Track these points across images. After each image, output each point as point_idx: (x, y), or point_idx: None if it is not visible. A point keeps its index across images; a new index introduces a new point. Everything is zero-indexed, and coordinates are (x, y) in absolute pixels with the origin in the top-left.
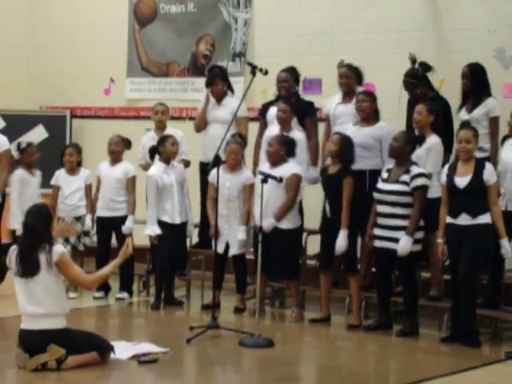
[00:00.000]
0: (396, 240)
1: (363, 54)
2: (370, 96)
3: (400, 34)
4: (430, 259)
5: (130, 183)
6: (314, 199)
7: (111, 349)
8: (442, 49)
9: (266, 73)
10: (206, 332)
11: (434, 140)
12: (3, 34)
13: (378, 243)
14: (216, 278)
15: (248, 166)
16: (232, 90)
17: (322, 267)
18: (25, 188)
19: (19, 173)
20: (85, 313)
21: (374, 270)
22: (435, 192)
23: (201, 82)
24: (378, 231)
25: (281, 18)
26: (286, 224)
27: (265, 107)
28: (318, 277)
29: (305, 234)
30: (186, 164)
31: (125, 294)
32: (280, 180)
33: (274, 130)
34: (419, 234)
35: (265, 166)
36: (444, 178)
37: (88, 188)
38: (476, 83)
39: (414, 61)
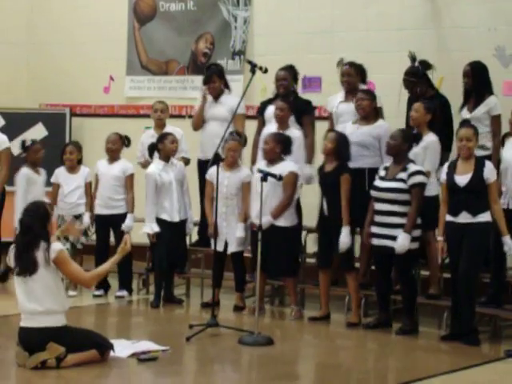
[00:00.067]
0: (394, 238)
1: (363, 51)
2: (370, 94)
3: (400, 32)
4: (428, 257)
5: (129, 181)
6: (312, 197)
7: (111, 347)
8: (442, 47)
9: (265, 71)
10: (205, 330)
11: (430, 138)
12: (3, 32)
13: (375, 241)
14: (215, 276)
15: (246, 164)
16: (228, 88)
17: (320, 265)
18: (30, 187)
19: (24, 171)
20: (84, 311)
21: (373, 268)
22: (433, 190)
23: (200, 80)
24: (375, 229)
25: (280, 15)
26: (282, 222)
27: (263, 105)
28: (317, 275)
29: (304, 233)
30: (186, 162)
31: (124, 292)
32: (280, 178)
33: (271, 128)
34: (416, 232)
35: (261, 164)
36: (444, 176)
37: (88, 186)
38: (477, 82)
39: (413, 59)
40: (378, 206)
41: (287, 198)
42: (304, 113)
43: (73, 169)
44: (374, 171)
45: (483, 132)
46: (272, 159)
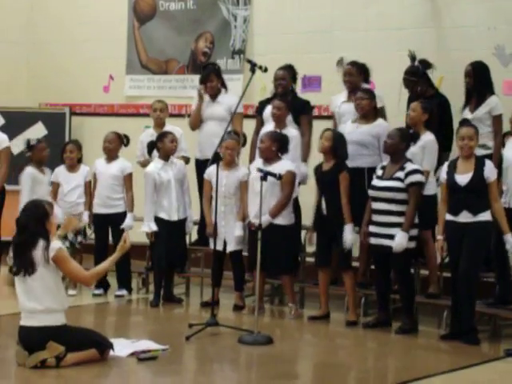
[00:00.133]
0: (391, 237)
1: (363, 51)
2: (369, 93)
3: (399, 32)
4: (427, 257)
5: (127, 180)
6: (312, 196)
7: (110, 346)
8: (442, 46)
9: (265, 70)
10: (205, 329)
11: (428, 137)
12: (3, 31)
13: (373, 240)
14: (215, 275)
15: (244, 163)
16: (225, 87)
17: (318, 265)
18: (36, 187)
19: (30, 170)
20: (84, 310)
21: (373, 267)
22: (430, 189)
23: None
24: (373, 228)
25: (280, 15)
26: (280, 220)
27: (262, 105)
28: (316, 274)
29: (303, 232)
30: (186, 161)
31: (124, 292)
32: (279, 177)
33: (269, 128)
34: (414, 231)
35: (258, 163)
36: (444, 175)
37: (87, 185)
38: (479, 82)
39: (413, 58)
40: (376, 205)
41: (285, 197)
42: (302, 112)
43: (72, 168)
44: (373, 170)
45: (485, 132)
46: (268, 158)
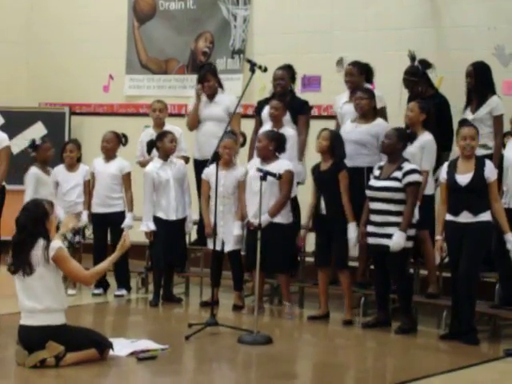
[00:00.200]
0: (389, 236)
1: (362, 51)
2: (368, 93)
3: (399, 31)
4: (425, 256)
5: (126, 179)
6: (310, 196)
7: (110, 346)
8: (442, 46)
9: (265, 70)
10: (204, 329)
11: (426, 137)
12: (3, 31)
13: (371, 240)
14: (214, 275)
15: (242, 163)
16: (222, 87)
17: (318, 264)
18: (40, 188)
19: (34, 171)
20: (84, 309)
21: (372, 267)
22: (429, 189)
23: None
24: (371, 228)
25: (280, 15)
26: (279, 218)
27: (260, 105)
28: (316, 274)
29: (303, 231)
30: (186, 161)
31: (123, 291)
32: (279, 177)
33: (267, 127)
34: (411, 231)
35: (255, 162)
36: (444, 175)
37: (86, 184)
38: (480, 82)
39: (413, 58)
40: (374, 206)
41: (284, 196)
42: (300, 112)
43: (72, 167)
44: (372, 170)
45: (486, 132)
46: (266, 157)
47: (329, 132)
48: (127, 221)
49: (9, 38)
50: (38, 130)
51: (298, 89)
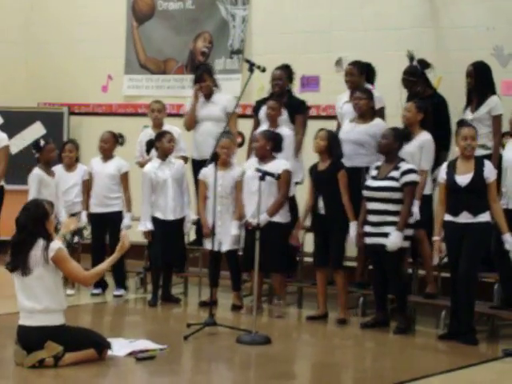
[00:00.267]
0: (386, 235)
1: (361, 51)
2: (367, 93)
3: (398, 32)
4: (422, 256)
5: (124, 179)
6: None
7: (108, 346)
8: (440, 46)
9: (263, 70)
10: (203, 329)
11: (425, 137)
12: (1, 31)
13: (368, 240)
14: (212, 275)
15: (240, 164)
16: (217, 86)
17: (316, 265)
18: (43, 188)
19: (37, 172)
20: (82, 310)
21: (371, 267)
22: (426, 189)
23: None
24: (368, 228)
25: (279, 15)
26: (277, 218)
27: (258, 104)
28: (315, 274)
29: (296, 230)
30: (185, 161)
31: (122, 291)
32: (278, 177)
33: (265, 127)
34: (409, 231)
35: (252, 162)
36: (444, 175)
37: (84, 184)
38: (480, 82)
39: (411, 58)
40: (371, 206)
41: (283, 195)
42: (297, 112)
43: (70, 167)
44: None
45: (485, 132)
46: (263, 157)
47: (326, 132)
48: (125, 221)
49: (8, 38)
50: (36, 130)
51: (296, 89)
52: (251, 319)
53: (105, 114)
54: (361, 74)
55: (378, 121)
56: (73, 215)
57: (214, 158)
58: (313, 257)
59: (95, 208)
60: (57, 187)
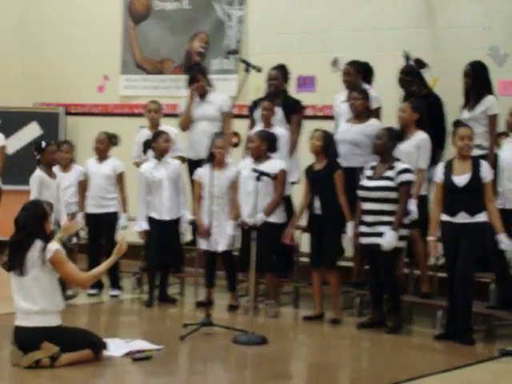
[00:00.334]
0: (381, 235)
1: (357, 51)
2: (363, 93)
3: (394, 32)
4: (416, 256)
5: (119, 179)
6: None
7: (105, 346)
8: (437, 46)
9: (259, 70)
10: (199, 329)
11: (422, 136)
12: None
13: (363, 240)
14: (208, 275)
15: (235, 163)
16: (211, 86)
17: (312, 265)
18: (44, 190)
19: (38, 173)
20: (79, 310)
21: (367, 267)
22: (422, 189)
23: None
24: (364, 228)
25: (275, 15)
26: (273, 218)
27: (254, 104)
28: (311, 274)
29: (298, 232)
30: (182, 161)
31: (118, 291)
32: (274, 177)
33: (260, 128)
34: (404, 231)
35: (248, 162)
36: (441, 175)
37: (80, 184)
38: (477, 81)
39: (408, 58)
40: (366, 206)
41: (279, 195)
42: (292, 111)
43: (66, 167)
44: None
45: (480, 132)
46: (259, 157)
47: (322, 132)
48: (121, 222)
49: (4, 38)
50: (33, 130)
51: (293, 89)
52: (247, 319)
53: (101, 115)
54: (358, 74)
55: (373, 121)
56: (69, 215)
57: (211, 158)
58: (309, 257)
59: (91, 208)
60: (58, 189)
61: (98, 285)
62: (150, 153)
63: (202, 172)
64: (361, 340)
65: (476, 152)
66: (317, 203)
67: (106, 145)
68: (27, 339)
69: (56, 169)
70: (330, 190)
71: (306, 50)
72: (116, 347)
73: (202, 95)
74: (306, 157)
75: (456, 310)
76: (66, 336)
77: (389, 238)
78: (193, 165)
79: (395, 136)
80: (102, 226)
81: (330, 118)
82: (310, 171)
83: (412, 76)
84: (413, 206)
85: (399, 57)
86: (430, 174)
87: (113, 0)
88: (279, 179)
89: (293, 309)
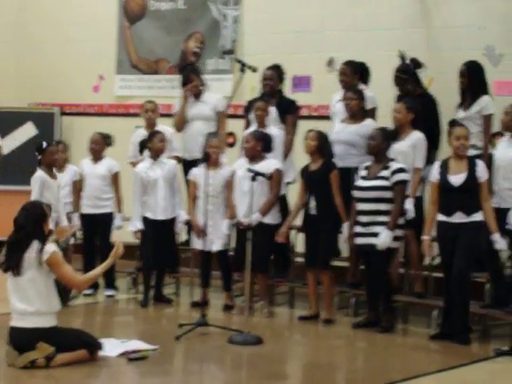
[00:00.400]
0: (377, 235)
1: (352, 51)
2: (358, 94)
3: (389, 32)
4: (409, 256)
5: (115, 179)
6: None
7: (100, 346)
8: (432, 46)
9: (254, 70)
10: (195, 329)
11: (417, 136)
12: None
13: (358, 240)
14: (203, 275)
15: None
16: (205, 85)
17: (307, 265)
18: (46, 191)
19: (39, 174)
20: (74, 310)
21: (362, 267)
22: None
23: None
24: (359, 228)
25: (270, 15)
26: (268, 219)
27: (250, 104)
28: (306, 274)
29: (293, 232)
30: (178, 161)
31: (113, 291)
32: (269, 177)
33: (254, 128)
34: (399, 232)
35: (243, 162)
36: (437, 175)
37: (74, 184)
38: (472, 81)
39: (403, 58)
40: (361, 206)
41: (275, 195)
42: (287, 111)
43: (60, 167)
44: None
45: (475, 132)
46: (254, 157)
47: (316, 132)
48: (117, 222)
49: None
50: (28, 131)
51: (288, 89)
52: (243, 319)
53: (96, 115)
54: (354, 74)
55: (368, 121)
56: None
57: (206, 158)
58: (304, 257)
59: (87, 209)
60: (58, 189)
61: (93, 285)
62: (147, 153)
63: (197, 172)
64: (356, 340)
65: (470, 152)
66: (312, 203)
67: (101, 145)
68: (22, 340)
69: None
70: (326, 190)
71: (302, 49)
72: (111, 347)
73: (197, 95)
74: (301, 157)
75: (453, 310)
76: (62, 336)
77: (384, 238)
78: (187, 165)
79: (389, 136)
80: (98, 227)
81: (326, 118)
82: (305, 171)
83: (408, 74)
84: (410, 205)
85: (394, 57)
86: (424, 174)
87: (108, 0)
88: (274, 179)
89: (288, 309)
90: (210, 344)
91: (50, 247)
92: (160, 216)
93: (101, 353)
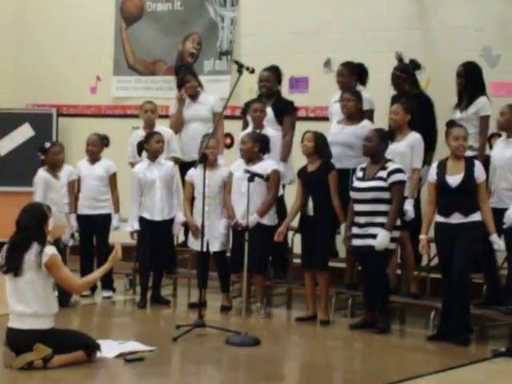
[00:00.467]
0: (374, 236)
1: (350, 52)
2: (355, 95)
3: (387, 33)
4: (404, 257)
5: (112, 180)
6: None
7: (97, 347)
8: (429, 47)
9: (252, 71)
10: (192, 330)
11: (415, 136)
12: None
13: (355, 242)
14: (201, 276)
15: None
16: (201, 86)
17: (304, 266)
18: (49, 192)
19: (42, 174)
20: (71, 311)
21: (359, 268)
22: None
23: None
24: (356, 230)
25: (267, 16)
26: (265, 220)
27: (247, 106)
28: (303, 275)
29: (291, 233)
30: (176, 162)
31: (110, 293)
32: (267, 179)
33: (251, 129)
34: (396, 233)
35: (240, 163)
36: (434, 176)
37: (70, 185)
38: (470, 82)
39: (400, 59)
40: (358, 207)
41: (273, 196)
42: (285, 113)
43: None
44: None
45: (472, 132)
46: (251, 158)
47: (312, 133)
48: (114, 223)
49: None
50: (25, 132)
51: (285, 90)
52: (240, 320)
53: (93, 116)
54: (352, 75)
55: (365, 122)
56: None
57: (203, 159)
58: (301, 258)
59: (84, 210)
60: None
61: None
62: (145, 153)
63: (194, 173)
64: (353, 341)
65: (467, 153)
66: (310, 204)
67: (98, 147)
68: (20, 341)
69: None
70: (324, 191)
71: (299, 50)
72: (109, 348)
73: (194, 96)
74: (298, 158)
75: (453, 310)
76: (59, 338)
77: (382, 239)
78: (185, 167)
79: (385, 137)
80: (95, 228)
81: (323, 119)
82: (303, 172)
83: (406, 74)
84: (409, 205)
85: (392, 58)
86: (421, 174)
87: (105, 1)
88: (272, 180)
89: (285, 310)
90: (208, 345)
91: (50, 250)
92: (157, 217)
93: (98, 354)
